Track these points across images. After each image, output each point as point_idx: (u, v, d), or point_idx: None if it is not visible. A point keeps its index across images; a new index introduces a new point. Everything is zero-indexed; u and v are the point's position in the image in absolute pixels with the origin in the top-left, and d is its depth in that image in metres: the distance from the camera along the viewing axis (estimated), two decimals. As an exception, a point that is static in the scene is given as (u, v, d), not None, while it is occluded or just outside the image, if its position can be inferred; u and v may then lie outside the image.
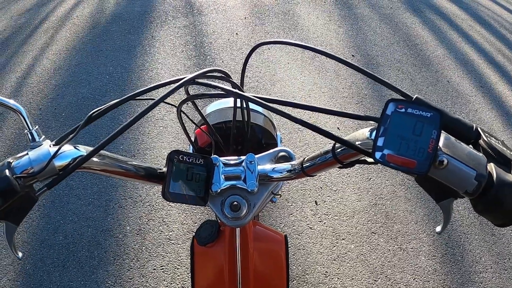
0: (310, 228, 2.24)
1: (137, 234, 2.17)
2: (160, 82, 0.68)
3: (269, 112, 1.25)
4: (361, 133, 0.60)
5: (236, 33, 3.87)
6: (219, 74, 0.72)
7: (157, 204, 2.30)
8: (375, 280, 2.04)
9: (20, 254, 0.63)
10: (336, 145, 0.65)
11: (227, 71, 0.73)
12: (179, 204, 2.29)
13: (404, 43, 3.99)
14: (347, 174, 2.53)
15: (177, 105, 0.77)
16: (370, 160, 0.63)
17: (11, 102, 0.63)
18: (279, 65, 3.46)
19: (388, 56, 3.73)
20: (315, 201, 2.37)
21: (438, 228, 0.62)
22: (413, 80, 3.45)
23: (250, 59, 0.81)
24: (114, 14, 4.21)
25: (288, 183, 2.45)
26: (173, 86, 0.63)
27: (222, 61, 3.45)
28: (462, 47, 4.07)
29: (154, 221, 2.23)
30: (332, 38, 3.93)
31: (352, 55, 3.68)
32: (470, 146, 0.54)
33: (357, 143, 0.59)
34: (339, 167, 0.68)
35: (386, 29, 4.20)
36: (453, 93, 3.36)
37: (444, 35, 4.25)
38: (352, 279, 2.04)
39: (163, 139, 2.69)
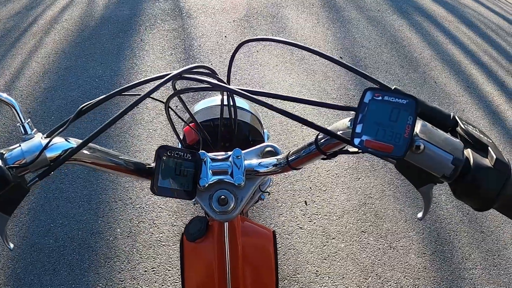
0: (300, 228, 2.25)
1: (128, 237, 2.17)
2: (147, 78, 0.69)
3: (256, 110, 1.26)
4: (342, 122, 0.62)
5: (225, 36, 3.89)
6: (205, 71, 0.73)
7: (147, 206, 2.30)
8: (365, 279, 2.06)
9: (11, 245, 0.64)
10: (319, 137, 0.67)
11: (213, 68, 0.74)
12: (169, 206, 2.30)
13: (392, 45, 4.03)
14: (336, 174, 2.55)
15: (164, 101, 0.78)
16: (352, 149, 0.64)
17: (4, 95, 0.64)
18: (268, 67, 3.48)
19: (376, 58, 3.77)
20: (305, 201, 2.38)
21: (420, 215, 0.63)
22: (401, 81, 3.48)
23: (237, 59, 0.82)
24: (103, 18, 4.21)
25: (277, 183, 2.46)
26: (160, 81, 0.65)
27: (211, 64, 3.46)
28: (449, 48, 4.12)
29: (145, 223, 2.23)
30: (320, 41, 3.96)
31: (340, 57, 3.71)
32: (448, 133, 0.56)
33: (338, 132, 0.61)
34: (322, 159, 0.69)
35: (373, 31, 4.24)
36: (440, 93, 3.40)
37: (431, 36, 4.29)
38: (343, 277, 2.05)
39: (152, 142, 2.70)
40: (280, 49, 3.73)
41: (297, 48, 0.77)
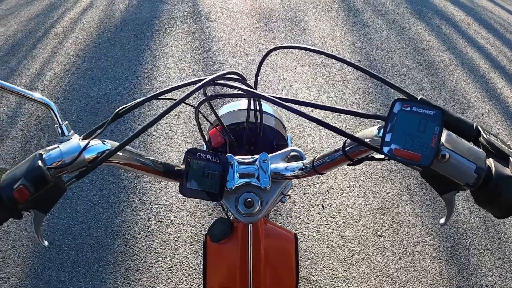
0: (317, 231, 2.26)
1: (146, 236, 2.20)
2: (181, 83, 0.71)
3: (280, 114, 1.28)
4: (369, 131, 0.63)
5: (244, 39, 3.91)
6: (235, 76, 0.75)
7: (165, 206, 2.33)
8: (381, 283, 2.06)
9: (46, 243, 0.66)
10: (346, 143, 0.68)
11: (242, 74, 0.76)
12: (187, 206, 2.32)
13: (410, 48, 4.01)
14: (354, 177, 2.56)
15: (195, 106, 0.79)
16: (378, 156, 0.66)
17: (38, 96, 0.67)
18: (287, 70, 3.49)
19: (395, 61, 3.75)
20: (322, 204, 2.39)
21: (442, 220, 0.65)
22: (419, 85, 3.47)
23: (256, 62, 0.84)
24: (123, 20, 4.26)
25: (295, 186, 2.47)
26: (194, 87, 0.66)
27: (230, 66, 3.48)
28: (468, 52, 4.09)
29: (163, 223, 2.25)
30: (338, 44, 3.96)
31: (359, 60, 3.70)
32: (471, 142, 0.58)
33: (366, 140, 0.63)
34: (348, 164, 0.71)
35: (392, 34, 4.23)
36: (459, 97, 3.38)
37: (450, 40, 4.26)
38: (358, 281, 2.06)
39: (172, 143, 2.72)
40: (298, 53, 3.74)
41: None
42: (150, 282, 2.01)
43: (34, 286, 1.98)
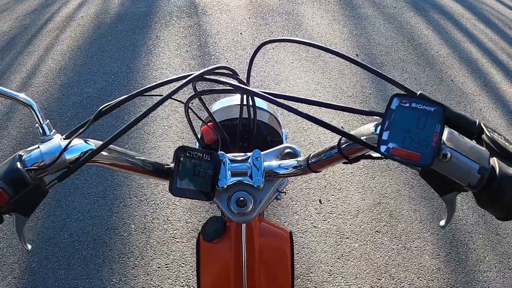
0: (314, 226, 2.24)
1: (142, 233, 2.18)
2: (168, 78, 0.69)
3: (275, 109, 1.26)
4: (366, 128, 0.60)
5: (241, 33, 3.88)
6: (226, 71, 0.73)
7: (162, 202, 2.31)
8: (379, 279, 2.05)
9: (29, 246, 0.64)
10: (342, 141, 0.66)
11: (233, 68, 0.74)
12: (183, 203, 2.31)
13: (408, 42, 3.99)
14: (351, 173, 2.54)
15: (184, 102, 0.77)
16: (375, 154, 0.63)
17: (22, 96, 0.64)
18: (284, 65, 3.47)
19: (392, 56, 3.73)
20: (319, 200, 2.37)
21: (442, 222, 0.62)
22: (417, 80, 3.45)
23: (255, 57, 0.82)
24: (118, 15, 4.23)
25: (292, 181, 2.46)
26: (181, 82, 0.64)
27: (227, 61, 3.46)
28: (466, 46, 4.07)
29: (159, 219, 2.24)
30: (336, 38, 3.93)
31: (356, 55, 3.68)
32: (473, 141, 0.55)
33: (362, 138, 0.59)
34: (344, 163, 0.68)
35: (390, 28, 4.20)
36: (457, 92, 3.36)
37: (448, 34, 4.24)
38: (356, 277, 2.04)
39: (168, 138, 2.70)
40: (295, 47, 3.72)
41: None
42: (147, 279, 1.99)
43: (30, 284, 1.97)
